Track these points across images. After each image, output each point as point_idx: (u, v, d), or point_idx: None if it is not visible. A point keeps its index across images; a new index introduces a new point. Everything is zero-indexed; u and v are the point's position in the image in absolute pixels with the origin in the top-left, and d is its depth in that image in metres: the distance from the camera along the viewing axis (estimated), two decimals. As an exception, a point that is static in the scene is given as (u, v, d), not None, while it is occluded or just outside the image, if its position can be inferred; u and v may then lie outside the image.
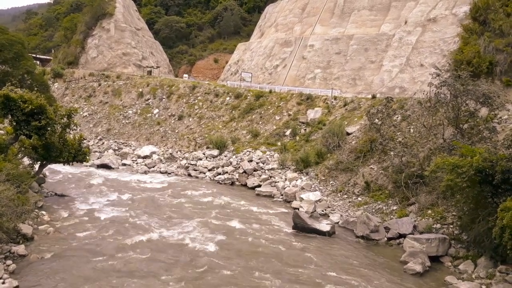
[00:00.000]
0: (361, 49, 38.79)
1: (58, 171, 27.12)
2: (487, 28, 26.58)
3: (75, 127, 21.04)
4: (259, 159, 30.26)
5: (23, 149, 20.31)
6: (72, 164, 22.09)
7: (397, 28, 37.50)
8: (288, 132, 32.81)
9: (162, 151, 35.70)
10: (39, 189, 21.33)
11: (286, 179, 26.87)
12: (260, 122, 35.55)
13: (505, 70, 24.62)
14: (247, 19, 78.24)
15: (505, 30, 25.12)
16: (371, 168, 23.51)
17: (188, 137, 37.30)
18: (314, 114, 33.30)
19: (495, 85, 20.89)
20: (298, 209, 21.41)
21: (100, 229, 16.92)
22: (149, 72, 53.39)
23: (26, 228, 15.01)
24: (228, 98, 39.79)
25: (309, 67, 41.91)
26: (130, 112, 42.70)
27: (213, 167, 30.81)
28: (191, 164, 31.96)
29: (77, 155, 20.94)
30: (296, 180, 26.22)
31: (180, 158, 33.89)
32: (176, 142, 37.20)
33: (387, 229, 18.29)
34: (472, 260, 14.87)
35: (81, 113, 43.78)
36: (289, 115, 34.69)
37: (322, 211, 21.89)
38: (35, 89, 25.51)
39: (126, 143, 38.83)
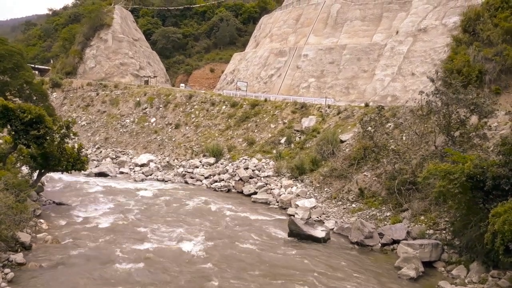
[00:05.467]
0: (353, 59, 39.38)
1: (57, 179, 27.26)
2: (476, 38, 27.33)
3: (73, 136, 21.27)
4: (255, 166, 30.55)
5: (21, 158, 20.47)
6: (71, 173, 22.22)
7: (389, 38, 38.18)
8: (283, 140, 33.16)
9: (159, 159, 35.91)
10: (38, 197, 21.42)
11: (281, 186, 27.16)
12: (255, 130, 35.91)
13: (494, 79, 25.30)
14: (243, 30, 79.06)
15: (494, 40, 25.86)
16: (365, 175, 23.84)
17: (185, 145, 37.56)
18: (308, 122, 33.73)
19: (485, 93, 21.41)
20: (294, 215, 21.66)
21: (98, 237, 17.05)
22: (146, 82, 53.73)
23: (24, 237, 15.10)
24: (224, 107, 40.20)
25: (303, 76, 42.42)
26: (128, 121, 42.94)
27: (210, 175, 31.05)
28: (188, 172, 32.18)
29: (75, 163, 21.05)
30: (292, 187, 26.50)
31: (177, 166, 34.10)
32: (173, 150, 37.43)
33: (381, 235, 18.54)
34: (465, 265, 15.04)
35: (79, 122, 44.01)
36: (284, 123, 35.09)
37: (317, 217, 22.14)
38: (34, 98, 25.79)
39: (123, 151, 39.00)
